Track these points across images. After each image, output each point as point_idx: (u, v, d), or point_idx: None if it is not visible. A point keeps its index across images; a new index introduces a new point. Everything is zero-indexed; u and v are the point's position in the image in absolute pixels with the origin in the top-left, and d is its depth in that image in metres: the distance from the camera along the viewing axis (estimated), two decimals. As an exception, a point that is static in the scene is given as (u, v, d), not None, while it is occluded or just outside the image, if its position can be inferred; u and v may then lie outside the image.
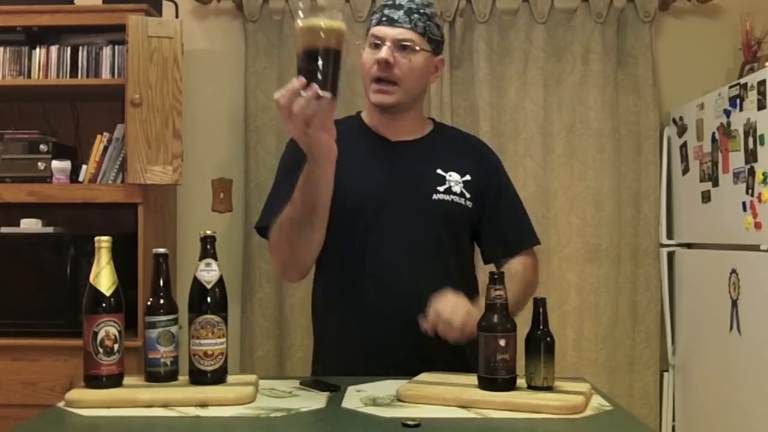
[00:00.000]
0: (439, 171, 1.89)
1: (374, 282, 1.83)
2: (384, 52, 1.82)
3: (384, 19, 1.84)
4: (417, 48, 1.83)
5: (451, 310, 1.68)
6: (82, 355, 1.54)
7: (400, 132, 1.93)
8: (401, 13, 1.83)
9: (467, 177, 1.90)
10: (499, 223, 1.96)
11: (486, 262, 2.01)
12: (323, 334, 1.97)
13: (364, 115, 1.99)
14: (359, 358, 1.83)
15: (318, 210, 1.70)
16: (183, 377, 1.59)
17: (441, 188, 1.87)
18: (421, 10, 1.84)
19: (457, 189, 1.88)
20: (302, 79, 1.42)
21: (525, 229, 2.02)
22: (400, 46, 1.82)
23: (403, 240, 1.85)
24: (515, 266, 1.94)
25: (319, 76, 1.41)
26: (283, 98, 1.45)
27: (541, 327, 1.55)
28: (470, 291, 1.85)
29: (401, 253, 1.84)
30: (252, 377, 1.62)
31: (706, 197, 3.00)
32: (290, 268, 1.85)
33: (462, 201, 1.88)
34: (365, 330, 1.84)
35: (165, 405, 1.45)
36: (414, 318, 1.77)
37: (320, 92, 1.41)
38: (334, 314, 1.92)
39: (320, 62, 1.41)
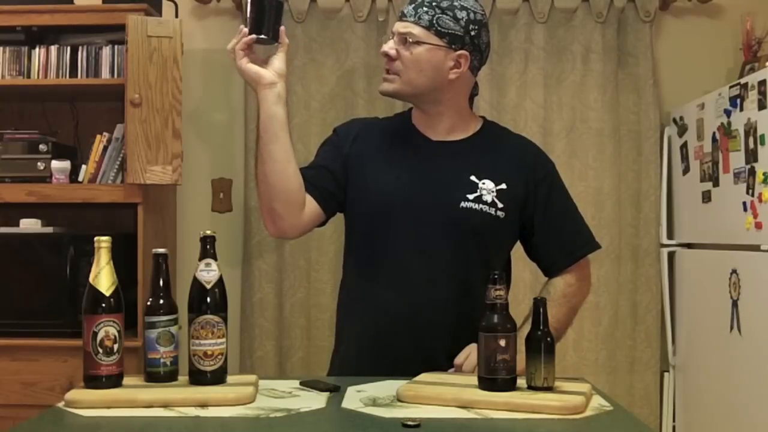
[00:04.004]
0: (472, 178, 1.84)
1: (390, 286, 1.83)
2: (385, 45, 1.85)
3: (400, 13, 1.87)
4: (419, 41, 1.81)
5: (473, 368, 1.67)
6: (82, 356, 1.53)
7: (440, 131, 1.90)
8: (411, 7, 1.83)
9: (503, 186, 1.84)
10: (551, 232, 1.90)
11: (546, 275, 1.95)
12: (341, 330, 1.96)
13: (413, 113, 1.96)
14: (368, 360, 1.83)
15: (263, 138, 1.76)
16: (183, 377, 1.58)
17: (471, 196, 1.82)
18: (433, 3, 1.80)
19: (488, 198, 1.82)
20: (242, 27, 1.75)
21: (580, 234, 1.95)
22: (403, 39, 1.82)
23: (424, 246, 1.82)
24: (559, 287, 1.89)
25: (250, 22, 1.76)
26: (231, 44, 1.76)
27: (541, 327, 1.55)
28: None
29: (421, 259, 1.82)
30: (252, 377, 1.62)
31: (706, 197, 2.99)
32: (263, 212, 1.84)
33: (492, 211, 1.82)
34: (378, 333, 1.83)
35: (165, 405, 1.45)
36: (426, 325, 1.79)
37: (249, 36, 1.75)
38: (352, 313, 1.92)
39: (254, 11, 1.75)
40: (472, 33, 1.83)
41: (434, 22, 1.80)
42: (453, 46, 1.82)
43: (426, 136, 1.90)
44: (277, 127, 1.76)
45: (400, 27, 1.84)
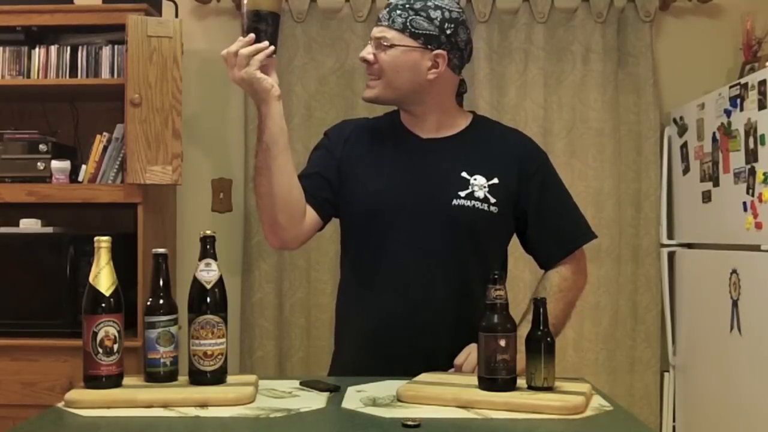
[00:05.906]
0: (464, 174, 1.83)
1: (388, 286, 1.83)
2: (363, 51, 1.87)
3: (377, 19, 1.88)
4: (392, 44, 1.81)
5: (473, 368, 1.67)
6: (82, 356, 1.53)
7: (429, 128, 1.90)
8: (386, 11, 1.84)
9: (495, 180, 1.83)
10: (545, 225, 1.89)
11: (543, 268, 1.94)
12: (341, 332, 1.96)
13: (400, 112, 1.96)
14: (367, 361, 1.82)
15: (272, 151, 1.74)
16: (183, 377, 1.58)
17: (462, 193, 1.82)
18: (407, 5, 1.81)
19: (480, 194, 1.82)
20: (252, 36, 1.69)
21: (575, 225, 1.93)
22: (379, 43, 1.83)
23: (419, 245, 1.82)
24: (555, 282, 1.88)
25: (263, 34, 1.71)
26: (234, 48, 1.69)
27: (541, 327, 1.55)
28: None
29: (417, 258, 1.82)
30: (252, 377, 1.62)
31: (706, 197, 2.99)
32: (265, 225, 1.84)
33: (485, 207, 1.82)
34: (377, 333, 1.83)
35: (164, 405, 1.45)
36: (424, 325, 1.79)
37: (270, 48, 1.71)
38: (350, 314, 1.92)
39: (266, 22, 1.71)
40: (448, 32, 1.82)
41: (408, 24, 1.80)
42: (429, 47, 1.81)
43: (416, 134, 1.91)
44: (285, 139, 1.77)
45: (375, 32, 1.85)
